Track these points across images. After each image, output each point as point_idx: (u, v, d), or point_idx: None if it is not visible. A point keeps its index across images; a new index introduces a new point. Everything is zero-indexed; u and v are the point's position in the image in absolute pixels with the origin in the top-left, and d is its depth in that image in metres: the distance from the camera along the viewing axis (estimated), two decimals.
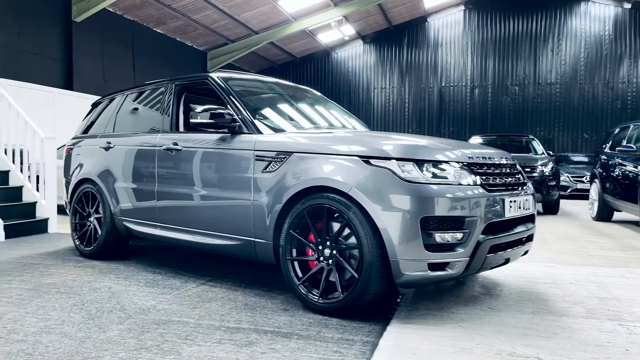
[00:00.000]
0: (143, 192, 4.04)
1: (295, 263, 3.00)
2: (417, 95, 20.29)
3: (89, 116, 5.17)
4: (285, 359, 2.21)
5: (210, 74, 3.83)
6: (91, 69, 13.03)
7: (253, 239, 3.23)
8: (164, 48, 16.04)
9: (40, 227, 6.22)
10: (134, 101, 4.58)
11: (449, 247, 2.64)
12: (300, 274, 2.97)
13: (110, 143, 4.47)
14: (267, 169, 3.15)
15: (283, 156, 3.10)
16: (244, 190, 3.26)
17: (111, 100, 4.89)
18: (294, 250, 3.01)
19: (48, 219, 6.30)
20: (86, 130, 5.06)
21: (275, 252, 3.13)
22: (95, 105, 5.19)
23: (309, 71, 21.80)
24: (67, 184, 5.02)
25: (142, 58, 15.00)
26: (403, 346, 2.38)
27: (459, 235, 2.64)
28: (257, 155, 3.22)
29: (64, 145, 5.88)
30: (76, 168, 4.86)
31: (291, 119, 3.88)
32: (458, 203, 2.64)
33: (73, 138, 5.20)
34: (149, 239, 4.14)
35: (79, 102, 11.51)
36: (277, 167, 3.10)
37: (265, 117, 3.61)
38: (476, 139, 10.96)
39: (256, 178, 3.21)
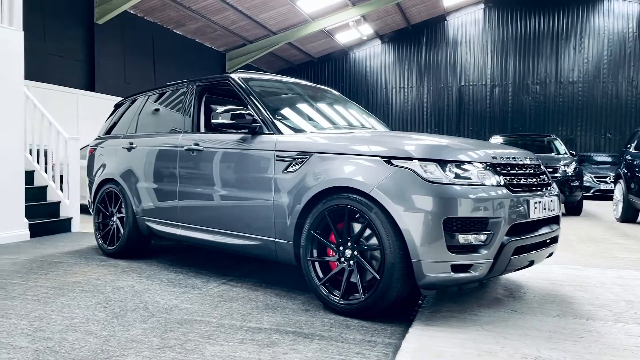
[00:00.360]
0: (165, 192, 4.09)
1: (316, 264, 2.99)
2: (435, 94, 20.13)
3: (111, 117, 5.24)
4: None
5: (231, 75, 3.85)
6: (113, 71, 13.23)
7: (273, 239, 3.24)
8: (183, 49, 16.21)
9: (64, 226, 6.33)
10: (155, 102, 4.64)
11: (472, 248, 2.60)
12: (321, 275, 2.97)
13: (132, 143, 4.53)
14: (288, 169, 3.16)
15: (304, 156, 3.10)
16: (265, 191, 3.27)
17: (133, 102, 4.95)
18: (315, 251, 3.00)
19: (71, 218, 6.41)
20: (109, 131, 5.13)
21: (296, 253, 3.13)
22: (117, 106, 5.26)
23: (327, 71, 21.81)
24: (91, 184, 5.10)
25: (162, 59, 15.18)
26: (426, 348, 2.36)
27: (483, 237, 2.61)
28: (277, 156, 3.23)
29: (87, 145, 5.98)
30: (99, 168, 4.94)
31: (311, 119, 3.88)
32: (481, 204, 2.60)
33: (96, 139, 5.28)
34: (170, 239, 4.18)
35: (101, 103, 11.71)
36: (297, 167, 3.11)
37: (285, 118, 3.62)
38: (497, 139, 10.82)
39: (277, 178, 3.21)
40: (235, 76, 3.82)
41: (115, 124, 5.08)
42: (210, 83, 4.08)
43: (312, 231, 2.98)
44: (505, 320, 2.79)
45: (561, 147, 10.50)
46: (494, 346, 2.40)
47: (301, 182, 3.06)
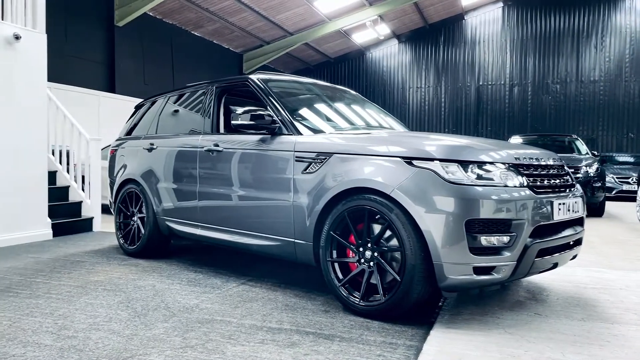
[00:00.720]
0: (185, 193, 4.12)
1: (336, 265, 2.99)
2: (453, 94, 19.96)
3: (132, 118, 5.30)
4: None
5: (250, 76, 3.87)
6: (132, 72, 13.41)
7: (293, 240, 3.24)
8: (201, 51, 16.35)
9: (86, 225, 6.44)
10: (175, 103, 4.68)
11: (495, 250, 2.57)
12: (340, 276, 2.96)
13: (153, 144, 4.58)
14: (307, 170, 3.16)
15: (323, 157, 3.09)
16: (284, 191, 3.27)
17: (153, 103, 5.01)
18: (334, 252, 2.99)
19: (93, 218, 6.51)
20: (130, 132, 5.20)
21: (315, 253, 3.13)
22: (138, 107, 5.32)
23: (344, 71, 21.78)
24: (112, 184, 5.17)
25: (180, 61, 15.33)
26: (448, 351, 2.34)
27: (506, 239, 2.57)
28: (297, 157, 3.23)
29: (108, 146, 6.06)
30: (120, 169, 5.01)
31: (330, 120, 3.88)
32: (504, 205, 2.57)
33: (117, 139, 5.35)
34: (190, 239, 4.22)
35: (121, 104, 11.88)
36: (317, 168, 3.11)
37: (304, 118, 3.62)
38: (516, 139, 10.68)
39: (296, 179, 3.21)
40: (254, 77, 3.84)
41: (135, 125, 5.14)
42: (229, 84, 4.11)
43: (331, 232, 2.97)
44: (528, 324, 2.75)
45: (583, 147, 10.32)
46: (517, 350, 2.36)
47: (321, 183, 3.06)
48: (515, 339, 2.51)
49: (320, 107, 4.05)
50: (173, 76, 15.05)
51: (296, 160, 3.23)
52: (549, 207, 2.76)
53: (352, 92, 4.68)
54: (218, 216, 3.83)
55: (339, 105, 4.20)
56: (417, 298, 2.66)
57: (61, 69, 10.94)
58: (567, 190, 3.02)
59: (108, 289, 3.45)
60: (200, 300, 3.16)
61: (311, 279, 3.74)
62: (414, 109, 20.64)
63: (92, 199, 6.54)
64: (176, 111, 4.64)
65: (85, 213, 6.54)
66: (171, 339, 2.46)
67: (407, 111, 20.68)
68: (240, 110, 3.46)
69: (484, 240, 2.54)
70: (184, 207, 4.14)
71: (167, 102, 4.78)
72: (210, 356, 2.24)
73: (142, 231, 4.57)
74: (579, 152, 10.13)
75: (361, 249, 2.86)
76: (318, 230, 3.08)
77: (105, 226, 6.71)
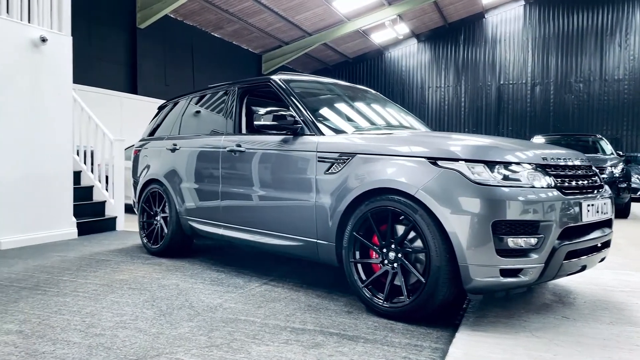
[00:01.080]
0: (207, 193, 4.16)
1: (359, 265, 2.97)
2: (473, 93, 19.77)
3: (155, 119, 5.37)
4: None
5: (272, 77, 3.89)
6: (154, 73, 13.60)
7: (315, 240, 3.24)
8: (221, 52, 16.50)
9: (109, 225, 6.54)
10: (197, 104, 4.73)
11: (522, 252, 2.52)
12: (363, 277, 2.94)
13: (176, 145, 4.63)
14: (330, 171, 3.15)
15: (346, 157, 3.09)
16: (306, 192, 3.28)
17: (176, 104, 5.06)
18: (357, 253, 2.98)
19: (116, 217, 6.61)
20: (153, 133, 5.26)
21: (338, 254, 3.12)
22: (161, 108, 5.38)
23: (362, 71, 21.74)
24: (135, 184, 5.24)
25: (200, 62, 15.49)
26: (474, 354, 2.31)
27: (533, 241, 2.52)
28: (319, 157, 3.23)
29: (132, 146, 6.14)
30: (144, 169, 5.07)
31: (351, 120, 3.88)
32: (531, 206, 2.52)
33: (140, 140, 5.42)
34: (212, 238, 4.25)
35: (143, 105, 12.05)
36: (339, 168, 3.10)
37: (326, 119, 3.62)
38: (539, 139, 10.51)
39: (318, 179, 3.21)
40: (276, 78, 3.86)
41: (158, 125, 5.21)
42: (251, 85, 4.13)
43: (354, 233, 2.96)
44: (556, 327, 2.70)
45: (607, 147, 10.11)
46: (545, 353, 2.32)
47: (343, 184, 3.05)
48: (543, 342, 2.47)
49: (342, 107, 4.05)
50: (193, 77, 15.21)
51: (318, 161, 3.23)
52: (577, 209, 2.70)
53: (373, 91, 4.67)
54: (240, 216, 3.85)
55: (360, 105, 4.19)
56: (442, 300, 2.63)
57: (84, 71, 11.14)
58: (596, 192, 2.96)
59: (133, 287, 3.50)
60: (223, 300, 3.19)
61: (333, 280, 3.74)
62: (433, 108, 20.49)
63: (115, 199, 6.64)
64: (198, 112, 4.68)
65: (109, 213, 6.65)
66: (196, 337, 2.48)
67: (427, 111, 20.54)
68: (262, 110, 3.48)
69: (511, 242, 2.50)
70: (207, 207, 4.18)
71: (189, 103, 4.83)
72: (235, 355, 2.26)
73: (165, 231, 4.63)
74: (604, 152, 9.94)
75: (384, 250, 2.84)
76: (341, 230, 3.07)
77: (128, 225, 6.81)
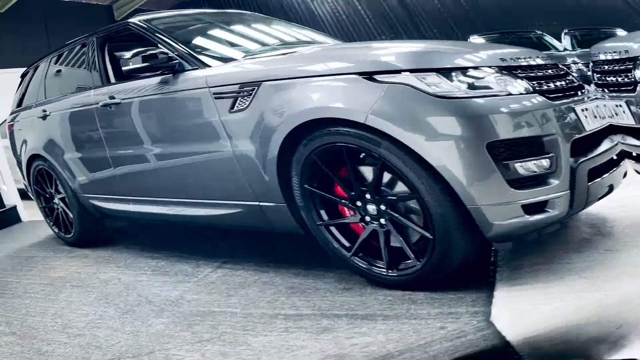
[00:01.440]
0: (96, 161, 3.65)
1: (332, 229, 2.39)
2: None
3: (20, 88, 4.83)
4: (388, 343, 1.84)
5: (130, 20, 3.43)
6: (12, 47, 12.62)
7: (257, 204, 2.61)
8: (71, 15, 15.20)
9: (12, 216, 5.94)
10: (57, 63, 4.23)
11: (539, 180, 2.02)
12: (346, 243, 2.37)
13: (45, 111, 4.07)
14: (235, 108, 2.56)
15: (250, 88, 2.49)
16: (214, 139, 2.67)
17: (36, 68, 4.54)
18: (322, 212, 2.40)
19: (16, 206, 6.00)
20: (20, 103, 4.72)
21: (298, 218, 2.50)
22: (23, 76, 4.84)
23: None
24: (19, 163, 4.68)
25: (55, 31, 14.30)
26: (521, 310, 1.97)
27: (546, 163, 2.01)
28: (214, 93, 2.65)
29: (5, 121, 5.48)
30: (22, 145, 4.51)
31: (237, 45, 3.47)
32: (522, 118, 2.02)
33: (11, 113, 4.87)
34: (123, 217, 3.78)
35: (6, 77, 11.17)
36: (246, 103, 2.51)
37: (205, 49, 3.18)
38: (476, 39, 9.43)
39: (224, 121, 2.59)
40: (135, 20, 3.38)
41: (24, 94, 4.67)
42: (109, 32, 3.69)
43: (306, 185, 2.35)
44: (601, 263, 2.29)
45: (555, 42, 9.28)
46: (594, 293, 1.98)
47: (261, 122, 2.44)
48: (591, 282, 2.09)
49: (221, 34, 3.62)
50: (49, 46, 14.21)
51: (216, 98, 2.65)
52: (573, 115, 2.19)
53: (249, 12, 4.28)
54: (146, 185, 3.32)
55: (242, 29, 3.78)
56: (461, 257, 2.10)
57: None
58: (580, 93, 2.42)
59: (75, 285, 3.19)
60: (180, 292, 2.76)
61: (306, 254, 2.94)
62: (329, 22, 18.37)
63: (7, 185, 6.03)
64: (60, 71, 4.19)
65: (7, 202, 6.01)
66: (179, 333, 2.22)
67: (323, 26, 18.30)
68: (128, 54, 2.98)
69: (520, 167, 1.98)
70: (101, 179, 3.65)
71: (49, 64, 4.32)
72: (235, 348, 2.00)
73: (71, 215, 4.09)
74: (556, 48, 9.12)
75: (359, 204, 2.27)
76: (287, 185, 2.46)
77: (32, 214, 6.11)
